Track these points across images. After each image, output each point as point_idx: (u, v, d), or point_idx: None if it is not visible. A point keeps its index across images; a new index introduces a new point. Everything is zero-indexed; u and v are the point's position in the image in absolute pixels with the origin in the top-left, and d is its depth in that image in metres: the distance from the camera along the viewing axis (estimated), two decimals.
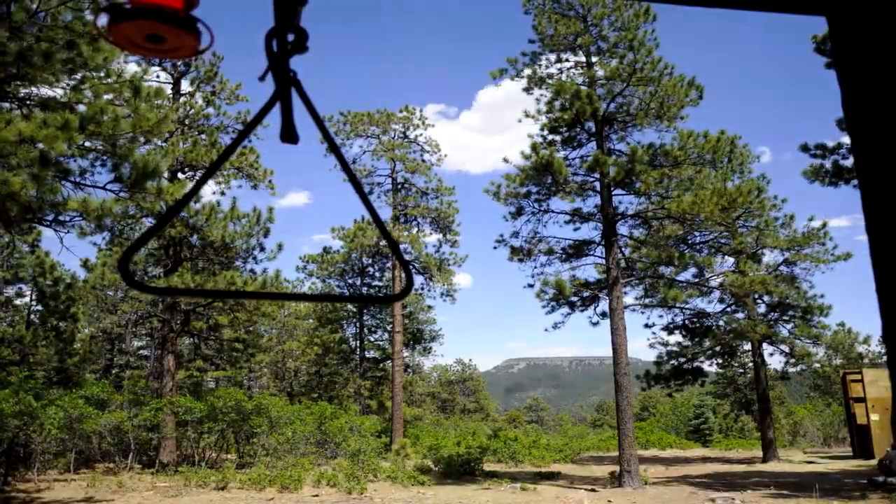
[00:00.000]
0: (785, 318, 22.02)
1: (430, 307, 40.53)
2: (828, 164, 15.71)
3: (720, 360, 25.04)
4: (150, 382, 24.78)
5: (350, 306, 37.82)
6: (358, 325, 37.48)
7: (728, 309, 22.42)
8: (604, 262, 16.57)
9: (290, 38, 1.06)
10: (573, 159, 17.35)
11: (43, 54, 8.40)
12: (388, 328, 34.39)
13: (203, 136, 19.39)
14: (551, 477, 17.25)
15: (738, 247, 21.48)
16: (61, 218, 9.66)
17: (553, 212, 17.51)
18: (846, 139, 15.37)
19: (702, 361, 23.19)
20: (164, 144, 16.76)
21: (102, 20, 0.99)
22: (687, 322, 22.75)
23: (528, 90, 17.40)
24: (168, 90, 19.80)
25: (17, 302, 25.75)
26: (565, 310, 18.19)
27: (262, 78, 1.08)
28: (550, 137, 17.33)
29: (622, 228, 17.52)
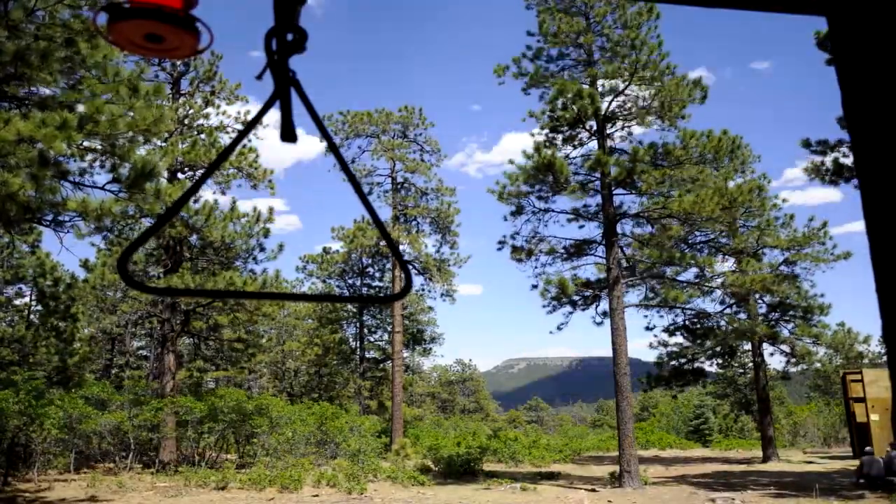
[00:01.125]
0: (785, 317, 22.03)
1: (430, 308, 40.51)
2: (828, 162, 15.70)
3: (720, 361, 25.05)
4: (150, 382, 24.78)
5: (350, 306, 37.82)
6: (358, 325, 37.47)
7: (729, 309, 22.42)
8: (605, 261, 16.57)
9: (289, 37, 1.06)
10: (574, 158, 17.36)
11: (41, 53, 8.39)
12: (388, 328, 34.38)
13: (202, 137, 19.39)
14: (551, 477, 17.25)
15: (738, 246, 21.48)
16: (61, 218, 9.66)
17: (554, 211, 17.52)
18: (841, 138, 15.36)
19: (702, 362, 23.20)
20: (163, 144, 16.75)
21: (102, 20, 0.99)
22: (688, 322, 22.76)
23: (529, 88, 17.38)
24: (167, 90, 19.80)
25: (17, 302, 25.75)
26: (567, 309, 18.19)
27: (259, 76, 1.08)
28: (552, 136, 17.31)
29: (623, 228, 17.52)
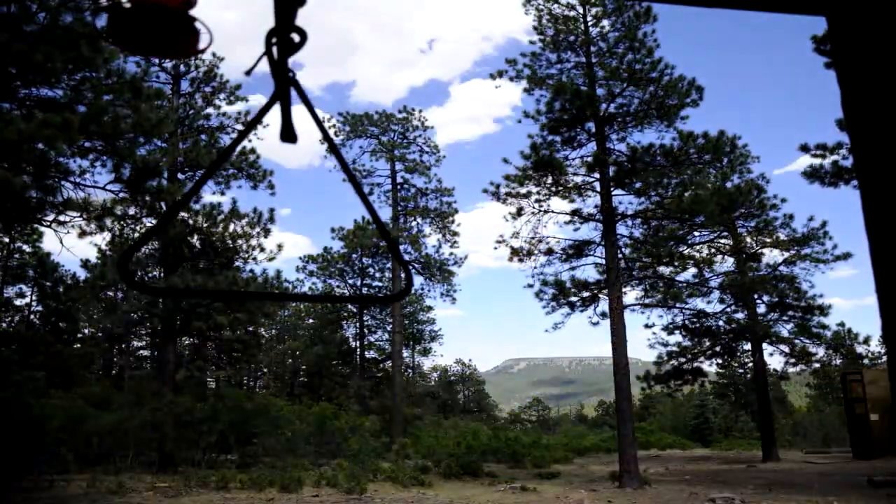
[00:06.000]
0: (785, 318, 22.01)
1: (430, 307, 40.51)
2: (827, 165, 15.72)
3: (720, 361, 25.03)
4: (150, 382, 24.77)
5: (350, 306, 37.83)
6: (358, 325, 37.47)
7: (728, 309, 22.42)
8: (604, 262, 16.57)
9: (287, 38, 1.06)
10: (573, 159, 17.36)
11: (43, 55, 8.40)
12: (389, 328, 34.39)
13: (203, 137, 19.39)
14: (552, 477, 17.25)
15: (737, 247, 21.48)
16: (61, 218, 9.67)
17: (553, 212, 17.51)
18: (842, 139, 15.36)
19: (702, 361, 23.19)
20: (163, 145, 16.76)
21: (102, 21, 1.00)
22: (687, 322, 22.75)
23: (528, 90, 17.41)
24: (167, 90, 19.80)
25: (18, 302, 25.77)
26: (565, 310, 18.18)
27: (248, 72, 1.09)
28: (550, 138, 17.32)
29: (622, 228, 17.52)
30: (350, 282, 36.76)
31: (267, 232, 18.81)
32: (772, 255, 22.33)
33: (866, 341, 24.43)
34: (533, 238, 17.70)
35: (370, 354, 37.60)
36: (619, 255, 16.49)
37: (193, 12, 1.02)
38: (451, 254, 29.30)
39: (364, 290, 36.55)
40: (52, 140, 7.89)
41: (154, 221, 13.97)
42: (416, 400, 45.20)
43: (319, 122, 1.10)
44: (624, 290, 16.51)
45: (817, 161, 16.15)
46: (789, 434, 34.09)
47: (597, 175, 16.38)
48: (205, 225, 17.64)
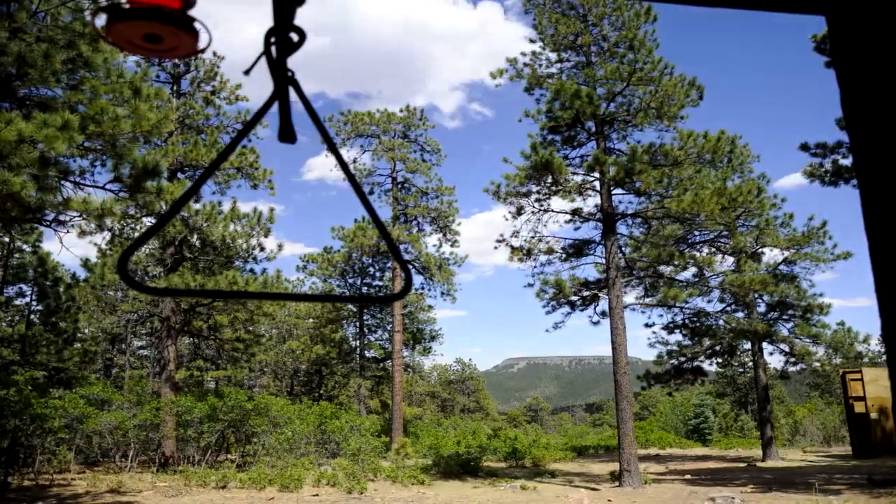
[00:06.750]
0: (785, 317, 22.03)
1: (430, 307, 40.48)
2: (827, 164, 15.72)
3: (720, 360, 25.06)
4: (150, 382, 24.79)
5: (350, 306, 37.83)
6: (358, 324, 37.47)
7: (728, 308, 22.43)
8: (604, 261, 16.57)
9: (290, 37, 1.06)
10: (573, 159, 17.36)
11: (43, 54, 8.40)
12: (389, 328, 34.38)
13: (203, 136, 19.39)
14: (551, 476, 17.26)
15: (737, 246, 21.48)
16: (61, 218, 9.66)
17: (553, 211, 17.51)
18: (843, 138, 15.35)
19: (702, 361, 23.21)
20: (163, 144, 16.75)
21: (100, 20, 0.99)
22: (687, 321, 22.76)
23: (528, 90, 17.41)
24: (167, 90, 19.80)
25: (18, 302, 25.75)
26: (565, 309, 18.20)
27: (247, 72, 1.09)
28: (550, 137, 17.32)
29: (622, 228, 17.52)
30: (350, 281, 36.77)
31: (267, 232, 18.82)
32: (772, 255, 22.36)
33: (865, 340, 24.42)
34: (533, 237, 17.72)
35: (370, 353, 37.60)
36: (620, 255, 16.48)
37: (192, 12, 1.02)
38: (451, 253, 29.31)
39: (364, 289, 36.54)
40: (52, 140, 7.89)
41: (154, 221, 13.97)
42: (416, 400, 45.22)
43: (318, 122, 1.10)
44: (624, 289, 16.51)
45: (817, 160, 16.17)
46: (789, 433, 34.11)
47: (597, 174, 16.38)
48: (204, 225, 17.63)
